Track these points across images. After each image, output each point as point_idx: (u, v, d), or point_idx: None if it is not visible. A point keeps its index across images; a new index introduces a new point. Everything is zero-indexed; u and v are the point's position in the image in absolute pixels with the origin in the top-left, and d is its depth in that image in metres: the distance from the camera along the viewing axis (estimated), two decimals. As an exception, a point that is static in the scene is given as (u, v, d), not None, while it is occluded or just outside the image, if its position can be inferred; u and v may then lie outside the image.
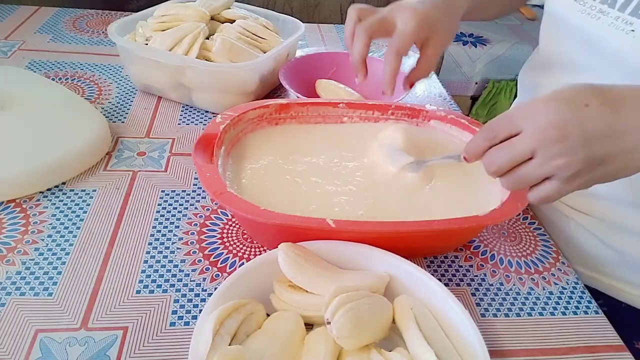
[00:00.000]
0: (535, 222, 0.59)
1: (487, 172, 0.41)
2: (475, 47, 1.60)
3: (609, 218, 0.55)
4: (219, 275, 0.48)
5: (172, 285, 0.46)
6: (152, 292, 0.45)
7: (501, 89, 1.63)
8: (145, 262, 0.48)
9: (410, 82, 0.57)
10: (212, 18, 0.76)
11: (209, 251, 0.50)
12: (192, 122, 0.70)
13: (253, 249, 0.51)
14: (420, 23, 0.50)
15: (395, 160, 0.54)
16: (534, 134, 0.36)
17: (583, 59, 0.53)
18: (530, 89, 0.65)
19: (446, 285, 0.44)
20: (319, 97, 0.72)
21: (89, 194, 0.55)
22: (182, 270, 0.48)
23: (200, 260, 0.49)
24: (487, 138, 0.40)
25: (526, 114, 0.37)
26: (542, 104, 0.37)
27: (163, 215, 0.54)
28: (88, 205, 0.54)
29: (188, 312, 0.44)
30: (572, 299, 0.49)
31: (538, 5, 1.89)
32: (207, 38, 0.72)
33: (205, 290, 0.46)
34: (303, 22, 0.81)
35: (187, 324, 0.43)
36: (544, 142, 0.36)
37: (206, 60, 0.68)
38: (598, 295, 0.55)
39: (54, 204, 0.53)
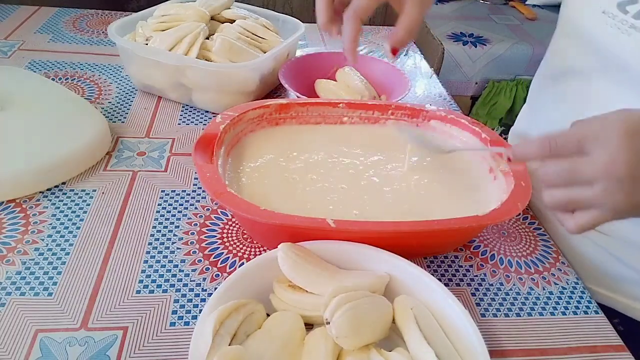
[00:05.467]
0: (535, 222, 0.59)
1: (539, 179, 0.40)
2: (475, 47, 1.60)
3: (629, 237, 0.53)
4: (219, 275, 0.48)
5: (172, 285, 0.46)
6: (152, 292, 0.45)
7: (501, 89, 1.63)
8: (145, 262, 0.48)
9: (392, 49, 0.50)
10: (212, 18, 0.76)
11: (209, 251, 0.50)
12: (192, 122, 0.70)
13: (253, 249, 0.51)
14: None
15: (427, 147, 0.51)
16: (604, 165, 0.35)
17: (603, 73, 0.51)
18: (543, 99, 0.63)
19: (446, 285, 0.44)
20: (319, 97, 0.72)
21: (89, 194, 0.55)
22: (182, 270, 0.48)
23: (200, 260, 0.49)
24: (547, 150, 0.38)
25: (600, 139, 0.36)
26: (619, 135, 0.35)
27: (163, 215, 0.54)
28: (88, 205, 0.54)
29: (188, 312, 0.44)
30: (572, 299, 0.49)
31: (538, 5, 1.89)
32: (207, 38, 0.72)
33: (205, 290, 0.46)
34: (303, 22, 0.81)
35: (187, 324, 0.43)
36: (611, 176, 0.35)
37: (206, 60, 0.68)
38: (614, 314, 0.54)
39: (54, 204, 0.53)
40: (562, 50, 0.58)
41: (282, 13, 0.84)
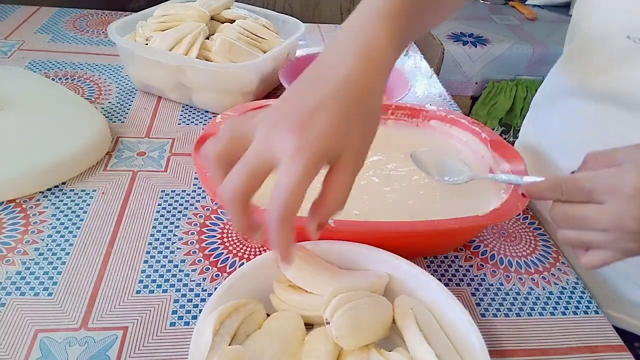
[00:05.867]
0: (535, 222, 0.59)
1: (551, 219, 0.41)
2: (475, 47, 1.60)
3: None
4: (219, 275, 0.48)
5: (172, 285, 0.46)
6: (152, 292, 0.45)
7: (501, 89, 1.63)
8: (145, 262, 0.48)
9: (318, 225, 0.34)
10: (212, 18, 0.76)
11: (209, 251, 0.50)
12: (192, 122, 0.70)
13: (253, 249, 0.51)
14: (315, 153, 0.30)
15: (452, 172, 0.51)
16: (615, 219, 0.36)
17: (618, 97, 0.50)
18: (549, 116, 0.63)
19: (446, 285, 0.44)
20: (319, 97, 0.72)
21: (89, 194, 0.55)
22: (182, 270, 0.48)
23: (200, 260, 0.49)
24: (557, 194, 0.39)
25: (612, 192, 0.36)
26: (631, 189, 0.35)
27: (163, 215, 0.54)
28: (88, 205, 0.54)
29: (188, 312, 0.44)
30: (572, 299, 0.49)
31: (538, 5, 1.89)
32: (207, 38, 0.72)
33: (205, 290, 0.46)
34: (303, 22, 0.81)
35: (187, 324, 0.43)
36: (622, 229, 0.36)
37: (206, 60, 0.68)
38: (633, 338, 0.53)
39: (54, 204, 0.53)
40: (573, 71, 0.57)
41: (282, 13, 0.84)
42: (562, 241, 0.41)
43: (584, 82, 0.55)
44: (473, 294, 0.49)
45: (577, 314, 0.48)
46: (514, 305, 0.48)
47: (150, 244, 0.50)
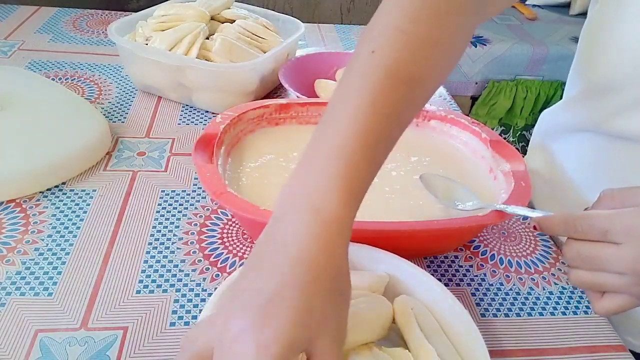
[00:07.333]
0: (535, 222, 0.59)
1: (563, 257, 0.39)
2: (475, 47, 1.60)
3: None
4: (219, 275, 0.48)
5: (172, 285, 0.46)
6: (152, 292, 0.45)
7: (501, 89, 1.63)
8: (145, 262, 0.48)
9: None
10: (212, 18, 0.76)
11: (209, 251, 0.50)
12: (192, 122, 0.70)
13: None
14: (278, 352, 0.26)
15: (460, 199, 0.50)
16: (632, 261, 0.35)
17: (637, 136, 0.50)
18: (558, 148, 0.62)
19: (446, 285, 0.44)
20: (318, 97, 0.72)
21: (89, 194, 0.55)
22: (182, 270, 0.48)
23: (200, 260, 0.49)
24: (571, 231, 0.38)
25: (630, 232, 0.35)
26: None
27: (163, 215, 0.54)
28: (88, 205, 0.54)
29: (188, 312, 0.44)
30: (572, 299, 0.49)
31: (538, 5, 1.89)
32: (207, 38, 0.72)
33: (205, 290, 0.46)
34: (303, 22, 0.81)
35: (187, 324, 0.43)
36: (639, 274, 0.35)
37: (206, 60, 0.68)
38: None
39: (54, 204, 0.53)
40: (584, 112, 0.57)
41: (282, 13, 0.84)
42: (574, 283, 0.39)
43: (598, 122, 0.54)
44: (473, 294, 0.49)
45: (577, 314, 0.48)
46: (514, 305, 0.48)
47: (150, 244, 0.50)
